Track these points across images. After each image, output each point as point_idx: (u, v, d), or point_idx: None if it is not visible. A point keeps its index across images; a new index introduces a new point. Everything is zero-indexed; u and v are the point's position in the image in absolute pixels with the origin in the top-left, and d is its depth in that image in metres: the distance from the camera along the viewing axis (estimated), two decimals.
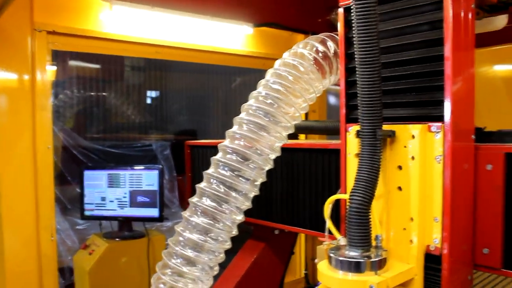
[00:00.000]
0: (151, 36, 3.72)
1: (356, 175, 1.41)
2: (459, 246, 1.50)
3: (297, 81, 1.68)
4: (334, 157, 2.05)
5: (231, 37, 4.00)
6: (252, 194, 1.70)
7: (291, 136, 2.67)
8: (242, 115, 1.71)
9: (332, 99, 5.35)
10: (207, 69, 5.62)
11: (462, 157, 1.48)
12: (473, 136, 1.53)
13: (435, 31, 1.44)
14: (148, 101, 5.86)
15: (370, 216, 1.41)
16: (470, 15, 1.48)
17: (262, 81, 1.72)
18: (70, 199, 4.56)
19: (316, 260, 1.62)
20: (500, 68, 4.53)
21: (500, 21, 1.76)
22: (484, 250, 1.55)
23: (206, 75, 5.79)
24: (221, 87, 5.84)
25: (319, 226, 2.12)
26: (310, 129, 2.66)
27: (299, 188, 2.28)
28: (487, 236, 1.54)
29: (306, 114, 4.37)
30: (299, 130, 2.67)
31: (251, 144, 1.65)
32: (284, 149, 2.27)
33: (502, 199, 1.50)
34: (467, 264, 1.56)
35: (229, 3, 3.63)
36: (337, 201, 1.67)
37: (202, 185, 1.66)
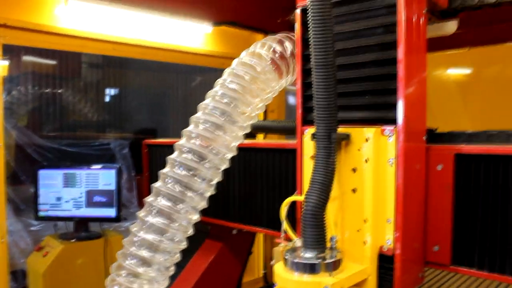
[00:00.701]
0: (109, 33, 3.62)
1: (311, 178, 1.42)
2: (411, 245, 1.54)
3: (254, 81, 1.68)
4: (291, 157, 2.06)
5: (190, 35, 3.96)
6: (208, 194, 1.69)
7: (249, 136, 2.67)
8: (199, 114, 1.69)
9: (291, 99, 5.39)
10: (167, 67, 5.55)
11: (414, 158, 1.51)
12: (424, 137, 1.56)
13: (389, 35, 1.47)
14: (107, 98, 5.73)
15: (325, 218, 1.42)
16: (422, 20, 1.51)
17: (219, 81, 1.71)
18: (23, 199, 4.40)
19: (272, 262, 1.62)
20: (453, 72, 4.67)
21: (450, 27, 1.80)
22: (434, 247, 1.59)
23: (166, 73, 5.72)
24: (181, 85, 5.78)
25: (277, 225, 2.12)
26: (268, 129, 2.66)
27: (257, 188, 2.28)
28: (437, 234, 1.58)
29: (265, 114, 4.37)
30: (257, 129, 2.67)
31: (207, 144, 1.64)
32: (241, 149, 2.26)
33: (452, 197, 1.55)
34: (418, 262, 1.60)
35: (188, 1, 3.59)
36: (294, 203, 1.67)
37: (158, 184, 1.64)
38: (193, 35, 3.98)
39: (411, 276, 1.57)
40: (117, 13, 3.55)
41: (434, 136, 1.79)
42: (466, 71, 4.61)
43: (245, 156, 2.29)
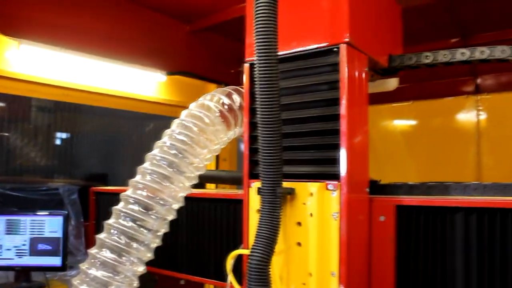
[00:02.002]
0: (60, 78, 3.59)
1: (257, 232, 1.42)
2: None
3: (202, 132, 1.70)
4: (239, 208, 2.06)
5: (143, 83, 3.96)
6: (154, 245, 1.66)
7: (198, 186, 2.66)
8: (146, 164, 1.68)
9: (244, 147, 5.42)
10: (120, 113, 5.51)
11: (357, 210, 1.55)
12: (367, 189, 1.60)
13: (332, 91, 1.52)
14: (57, 143, 5.58)
15: (270, 272, 1.42)
16: (363, 77, 1.59)
17: (168, 131, 1.72)
18: None
19: None
20: (399, 123, 4.88)
21: (392, 83, 1.90)
22: None
23: (119, 118, 5.66)
24: (134, 131, 5.73)
25: (224, 277, 2.10)
26: (218, 179, 2.66)
27: (205, 238, 2.26)
28: (381, 284, 1.60)
29: (217, 162, 4.37)
30: (207, 179, 2.66)
31: (154, 194, 1.63)
32: (190, 199, 2.25)
33: (394, 248, 1.59)
34: None
35: (143, 50, 3.63)
36: (241, 255, 1.66)
37: (102, 235, 1.60)
38: (146, 83, 3.99)
39: None
40: (70, 59, 3.53)
41: (377, 188, 1.84)
42: (411, 122, 4.84)
43: (193, 206, 2.28)
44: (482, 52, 1.68)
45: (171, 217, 1.70)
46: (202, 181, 2.68)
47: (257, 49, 1.36)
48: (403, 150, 4.75)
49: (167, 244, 2.33)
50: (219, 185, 3.57)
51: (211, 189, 3.06)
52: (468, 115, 4.48)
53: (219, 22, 3.78)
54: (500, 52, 1.65)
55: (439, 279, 1.54)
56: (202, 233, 2.26)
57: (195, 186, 2.64)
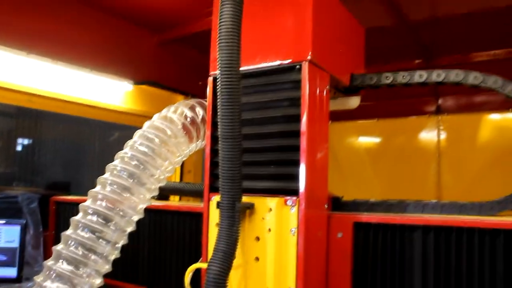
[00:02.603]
0: (25, 84, 3.51)
1: (215, 246, 1.42)
2: None
3: (164, 144, 1.69)
4: (201, 220, 2.05)
5: (110, 92, 3.91)
6: (112, 257, 1.64)
7: (162, 197, 2.64)
8: (106, 175, 1.67)
9: None
10: (85, 120, 5.42)
11: (315, 226, 1.57)
12: (326, 206, 1.63)
13: (293, 108, 1.55)
14: (18, 149, 5.44)
15: (227, 287, 1.42)
16: (325, 95, 1.62)
17: (129, 142, 1.71)
18: None
19: None
20: (364, 140, 4.97)
21: (354, 102, 1.95)
22: None
23: (83, 126, 5.57)
24: (99, 139, 5.65)
25: None
26: (181, 191, 2.65)
27: (166, 251, 2.23)
28: None
29: (181, 174, 4.34)
30: (170, 191, 2.65)
31: (114, 205, 1.61)
32: (152, 211, 2.24)
33: (351, 264, 1.61)
34: None
35: (109, 58, 3.60)
36: (200, 269, 1.66)
37: (59, 247, 1.57)
38: (112, 92, 3.95)
39: None
40: (35, 65, 3.46)
41: (340, 205, 1.87)
42: (375, 140, 4.93)
43: (156, 218, 2.26)
44: (438, 75, 1.74)
45: (130, 228, 1.68)
46: (166, 193, 2.67)
47: (219, 64, 1.38)
48: (367, 167, 4.84)
49: (128, 256, 2.31)
50: (183, 197, 3.55)
51: (174, 201, 3.04)
52: (430, 135, 4.60)
53: (189, 33, 3.78)
54: (454, 75, 1.72)
55: None
56: (164, 246, 2.24)
57: (159, 198, 2.63)
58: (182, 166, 4.23)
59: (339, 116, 4.88)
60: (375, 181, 4.73)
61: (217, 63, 1.38)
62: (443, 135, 4.55)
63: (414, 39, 3.87)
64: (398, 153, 4.69)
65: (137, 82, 3.88)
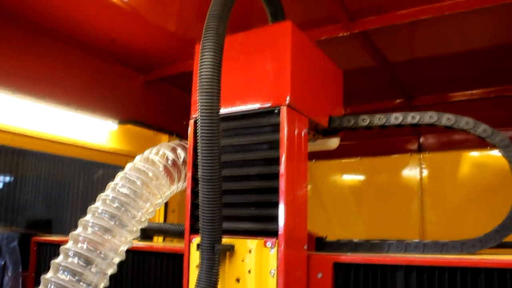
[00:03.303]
0: (7, 123, 3.51)
1: None
2: None
3: (145, 186, 1.71)
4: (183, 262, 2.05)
5: (94, 131, 3.92)
6: None
7: (146, 238, 2.63)
8: (88, 217, 1.67)
9: None
10: (68, 158, 5.39)
11: (295, 267, 1.57)
12: (305, 246, 1.64)
13: (273, 151, 1.58)
14: None
15: None
16: (303, 137, 1.66)
17: (111, 184, 1.72)
18: None
19: None
20: (348, 178, 5.03)
21: (333, 143, 1.99)
22: None
23: (66, 164, 5.53)
24: (82, 177, 5.61)
25: None
26: (165, 231, 2.64)
27: None
28: None
29: (165, 214, 4.31)
30: (154, 232, 2.64)
31: (94, 247, 1.60)
32: (135, 252, 2.22)
33: None
34: None
35: (94, 98, 3.64)
36: None
37: None
38: (97, 132, 3.96)
39: None
40: (18, 104, 3.48)
41: (323, 245, 1.89)
42: (359, 178, 4.99)
43: (139, 260, 2.24)
44: (413, 117, 1.80)
45: (111, 271, 1.67)
46: (149, 233, 2.66)
47: (199, 108, 1.41)
48: (351, 204, 4.88)
49: None
50: (167, 238, 3.52)
51: (157, 242, 3.02)
52: (412, 172, 4.69)
53: (174, 73, 3.85)
54: (428, 117, 1.78)
55: None
56: (148, 287, 2.21)
57: (142, 238, 2.62)
58: (166, 206, 4.21)
59: (323, 155, 4.96)
60: (359, 218, 4.77)
61: (197, 107, 1.42)
62: (425, 173, 4.63)
63: (395, 80, 3.99)
64: (381, 190, 4.75)
65: (122, 121, 3.91)
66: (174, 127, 4.19)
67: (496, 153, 4.44)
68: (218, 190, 1.43)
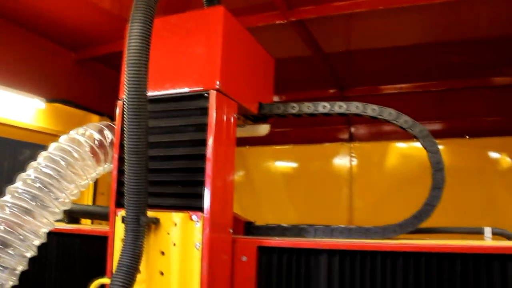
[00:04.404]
0: None
1: (118, 260, 1.42)
2: None
3: (70, 167, 1.67)
4: None
5: (20, 109, 3.71)
6: (9, 284, 1.56)
7: (73, 221, 2.56)
8: (7, 197, 1.61)
9: None
10: None
11: (220, 249, 1.61)
12: (231, 230, 1.67)
13: (200, 133, 1.60)
14: None
15: None
16: (232, 122, 1.68)
17: (33, 164, 1.67)
18: None
19: None
20: (280, 165, 5.12)
21: (263, 129, 2.02)
22: None
23: None
24: (8, 157, 5.33)
25: None
26: (92, 214, 2.59)
27: (75, 276, 2.16)
28: None
29: (94, 197, 4.19)
30: (81, 214, 2.58)
31: (13, 229, 1.55)
32: (60, 234, 2.16)
33: (255, 287, 1.66)
34: None
35: (20, 74, 3.45)
36: None
37: None
38: (23, 110, 3.76)
39: None
40: None
41: (252, 229, 1.92)
42: (291, 165, 5.09)
43: (64, 242, 2.18)
44: (340, 107, 1.87)
45: (30, 253, 1.62)
46: (76, 215, 2.59)
47: (126, 89, 1.40)
48: (283, 191, 4.97)
49: (33, 282, 2.20)
50: (95, 221, 3.44)
51: (84, 225, 2.94)
52: (343, 161, 4.84)
53: (108, 53, 3.73)
54: (354, 107, 1.86)
55: None
56: (73, 271, 2.16)
57: (69, 221, 2.54)
58: (95, 188, 4.10)
59: (256, 141, 5.01)
60: (290, 205, 4.87)
61: (125, 87, 1.41)
62: (354, 161, 4.80)
63: (329, 70, 4.08)
64: (312, 178, 4.88)
65: (51, 100, 3.73)
66: (106, 108, 4.06)
67: (420, 145, 4.70)
68: (143, 163, 1.43)
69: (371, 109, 1.87)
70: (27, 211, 1.58)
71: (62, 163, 1.65)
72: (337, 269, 1.61)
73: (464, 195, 4.16)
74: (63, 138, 1.75)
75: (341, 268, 1.61)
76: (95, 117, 4.12)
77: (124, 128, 1.44)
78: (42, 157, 1.67)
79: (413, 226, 1.78)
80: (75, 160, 1.68)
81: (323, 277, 1.63)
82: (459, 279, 1.47)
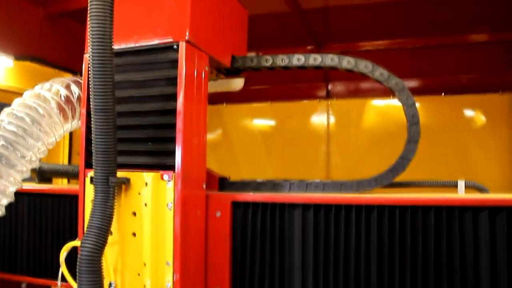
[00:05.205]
0: None
1: (89, 222, 1.39)
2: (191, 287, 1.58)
3: (36, 123, 1.61)
4: None
5: None
6: None
7: (45, 180, 2.51)
8: None
9: None
10: None
11: (193, 205, 1.59)
12: (204, 185, 1.65)
13: (170, 87, 1.55)
14: None
15: (102, 263, 1.39)
16: (203, 76, 1.63)
17: None
18: None
19: None
20: (258, 123, 5.10)
21: (236, 83, 1.98)
22: None
23: None
24: None
25: (73, 276, 2.01)
26: (64, 173, 2.54)
27: (47, 236, 2.13)
28: (217, 276, 1.67)
29: (70, 157, 4.13)
30: (54, 174, 2.53)
31: None
32: (31, 194, 2.12)
33: (229, 242, 1.66)
34: None
35: None
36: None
37: None
38: None
39: None
40: None
41: (227, 184, 1.91)
42: (269, 122, 5.08)
43: (35, 202, 2.15)
44: (315, 59, 1.83)
45: None
46: (48, 175, 2.54)
47: (90, 43, 1.34)
48: (260, 148, 4.97)
49: (5, 243, 2.17)
50: (72, 181, 3.39)
51: (57, 185, 2.90)
52: (320, 118, 4.84)
53: (78, 8, 3.59)
54: (330, 60, 1.82)
55: (277, 272, 1.64)
56: (45, 231, 2.14)
57: (40, 181, 2.49)
58: (70, 148, 4.03)
59: (233, 98, 4.97)
60: (268, 162, 4.89)
61: (88, 39, 1.34)
62: (332, 119, 4.81)
63: (307, 27, 4.02)
64: (290, 135, 4.88)
65: (19, 57, 3.59)
66: (79, 66, 3.93)
67: (397, 102, 4.71)
68: (111, 121, 1.38)
69: (347, 62, 1.83)
70: None
71: (27, 119, 1.59)
72: (311, 223, 1.61)
73: (439, 152, 4.22)
74: (27, 94, 1.68)
75: (315, 222, 1.61)
76: (67, 75, 3.98)
77: (90, 85, 1.38)
78: (4, 113, 1.61)
79: (388, 180, 1.78)
80: (41, 116, 1.62)
81: (297, 231, 1.63)
82: (432, 231, 1.48)
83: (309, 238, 1.62)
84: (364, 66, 1.83)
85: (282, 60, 1.85)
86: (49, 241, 2.13)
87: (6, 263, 2.21)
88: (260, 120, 5.06)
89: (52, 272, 2.11)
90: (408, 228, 1.51)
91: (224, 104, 4.85)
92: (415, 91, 1.79)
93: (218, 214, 1.66)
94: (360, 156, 4.53)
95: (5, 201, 1.59)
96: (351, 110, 4.72)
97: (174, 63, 1.54)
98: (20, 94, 3.72)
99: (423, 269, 1.48)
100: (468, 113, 4.47)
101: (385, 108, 4.62)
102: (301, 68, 1.88)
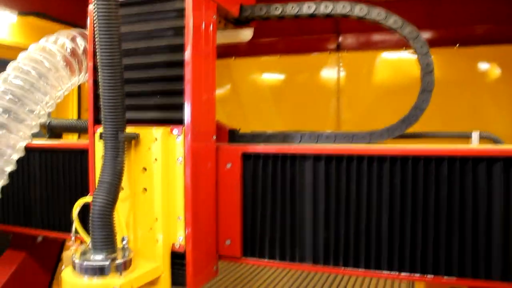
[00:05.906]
0: None
1: (99, 178, 1.39)
2: (203, 241, 1.60)
3: (42, 77, 1.58)
4: None
5: None
6: None
7: (56, 136, 2.51)
8: None
9: None
10: None
11: (203, 157, 1.58)
12: (214, 137, 1.63)
13: (178, 38, 1.50)
14: None
15: (114, 218, 1.40)
16: (211, 26, 1.58)
17: (2, 75, 1.58)
18: None
19: (62, 267, 1.54)
20: (267, 77, 5.02)
21: (246, 34, 1.92)
22: (226, 241, 1.68)
23: None
24: None
25: (86, 230, 2.03)
26: (74, 128, 2.53)
27: (60, 190, 2.15)
28: (228, 229, 1.68)
29: (79, 112, 4.11)
30: (64, 129, 2.52)
31: None
32: (43, 150, 2.12)
33: (240, 195, 1.66)
34: (212, 256, 1.67)
35: None
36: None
37: None
38: None
39: (205, 270, 1.63)
40: None
41: (236, 136, 1.89)
42: (279, 76, 4.99)
43: (47, 158, 2.15)
44: (326, 7, 1.76)
45: (10, 168, 1.59)
46: (58, 131, 2.54)
47: None
48: (270, 103, 4.91)
49: (19, 198, 2.19)
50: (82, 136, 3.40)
51: (68, 140, 2.90)
52: (330, 72, 4.74)
53: None
54: (341, 7, 1.76)
55: (288, 224, 1.64)
56: (57, 185, 2.15)
57: (50, 136, 2.49)
58: (79, 104, 4.01)
59: (242, 51, 4.88)
60: (278, 117, 4.84)
61: None
62: (342, 72, 4.71)
63: None
64: (300, 89, 4.80)
65: (23, 12, 3.51)
66: (81, 20, 3.86)
67: (409, 55, 4.62)
68: (119, 76, 1.35)
69: (359, 9, 1.76)
70: (2, 125, 1.53)
71: (33, 73, 1.57)
72: (323, 175, 1.60)
73: (452, 105, 4.14)
74: (32, 47, 1.65)
75: (327, 173, 1.60)
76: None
77: (95, 38, 1.34)
78: (10, 67, 1.58)
79: (400, 131, 1.75)
80: (48, 70, 1.60)
81: (308, 183, 1.62)
82: (446, 182, 1.46)
83: (320, 190, 1.61)
84: (377, 13, 1.77)
85: (292, 8, 1.78)
86: (62, 195, 2.14)
87: (22, 217, 2.24)
88: (269, 74, 4.97)
89: (66, 225, 2.14)
90: (420, 179, 1.49)
91: (233, 58, 4.76)
92: (429, 43, 1.72)
93: (229, 166, 1.66)
94: (371, 111, 4.46)
95: (15, 156, 1.59)
96: (363, 63, 4.61)
97: (181, 12, 1.49)
98: (24, 49, 3.69)
99: (435, 221, 1.47)
100: (483, 65, 4.35)
101: (397, 62, 4.50)
102: (312, 16, 1.82)
